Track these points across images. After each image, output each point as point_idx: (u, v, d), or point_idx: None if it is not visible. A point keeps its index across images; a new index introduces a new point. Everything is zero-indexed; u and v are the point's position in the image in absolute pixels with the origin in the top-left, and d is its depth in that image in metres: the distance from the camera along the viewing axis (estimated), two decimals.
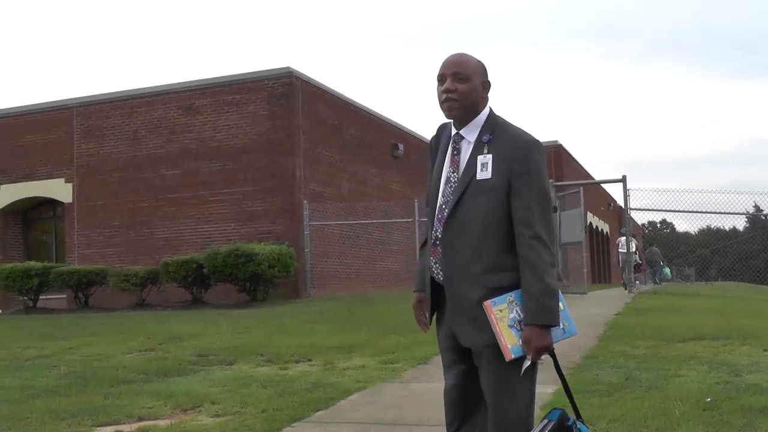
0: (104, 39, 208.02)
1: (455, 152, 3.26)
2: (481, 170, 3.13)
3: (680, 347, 9.23)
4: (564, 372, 3.22)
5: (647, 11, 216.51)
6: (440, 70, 3.25)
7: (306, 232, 19.64)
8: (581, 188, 19.73)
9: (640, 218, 44.18)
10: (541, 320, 2.98)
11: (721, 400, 6.02)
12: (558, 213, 20.35)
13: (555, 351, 3.09)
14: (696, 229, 43.19)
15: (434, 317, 3.39)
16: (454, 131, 3.28)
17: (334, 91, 22.38)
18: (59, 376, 8.47)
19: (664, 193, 20.79)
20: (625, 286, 20.45)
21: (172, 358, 9.48)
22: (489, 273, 3.08)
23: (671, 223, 65.62)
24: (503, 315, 3.02)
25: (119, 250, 21.27)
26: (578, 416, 3.11)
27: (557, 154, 34.89)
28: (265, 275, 17.43)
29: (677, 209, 20.48)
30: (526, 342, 2.98)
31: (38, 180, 22.68)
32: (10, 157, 23.02)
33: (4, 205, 23.28)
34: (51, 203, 23.41)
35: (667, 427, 5.29)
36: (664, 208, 21.27)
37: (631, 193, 19.87)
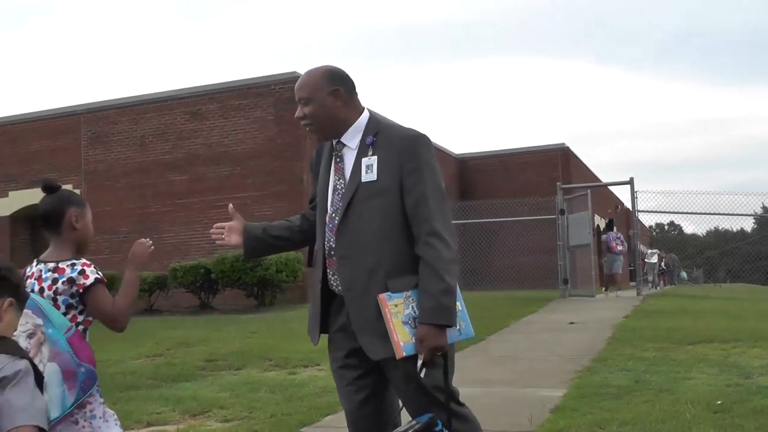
0: (111, 45, 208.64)
1: (338, 160, 3.16)
2: (366, 172, 3.02)
3: (690, 350, 9.20)
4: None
5: (652, 13, 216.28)
6: None
7: None
8: (588, 191, 19.69)
9: (647, 220, 44.02)
10: (437, 320, 2.84)
11: (732, 402, 5.99)
12: (566, 216, 20.31)
13: (448, 353, 2.95)
14: (704, 231, 43.07)
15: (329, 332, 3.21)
16: (335, 141, 3.19)
17: None
18: None
19: (671, 195, 20.70)
20: (637, 291, 20.45)
21: (180, 363, 9.47)
22: (392, 278, 2.94)
23: (679, 225, 65.32)
24: (398, 310, 2.89)
25: (127, 256, 21.22)
26: (449, 426, 2.96)
27: (564, 157, 34.73)
28: (273, 280, 17.42)
29: (685, 211, 20.46)
30: (419, 340, 2.84)
31: None
32: (19, 163, 23.09)
33: (12, 212, 23.34)
34: None
35: (678, 430, 5.25)
36: (671, 210, 21.25)
37: (638, 195, 19.86)
